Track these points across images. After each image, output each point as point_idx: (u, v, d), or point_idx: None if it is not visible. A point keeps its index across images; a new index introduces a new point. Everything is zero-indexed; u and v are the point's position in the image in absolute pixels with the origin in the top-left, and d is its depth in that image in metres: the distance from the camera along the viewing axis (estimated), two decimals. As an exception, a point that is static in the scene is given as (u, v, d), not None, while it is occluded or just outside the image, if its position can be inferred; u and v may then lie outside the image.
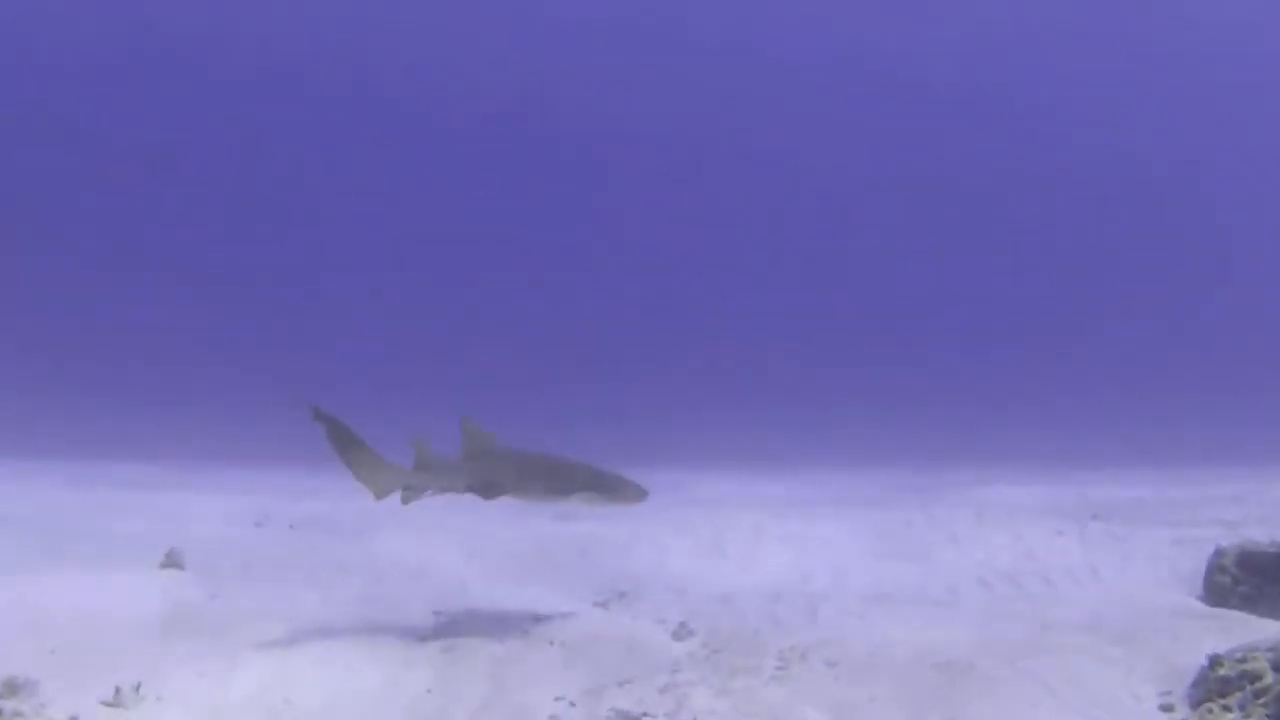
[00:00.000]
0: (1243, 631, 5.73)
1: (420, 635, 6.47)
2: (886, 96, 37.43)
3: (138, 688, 5.37)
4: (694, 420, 18.10)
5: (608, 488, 6.80)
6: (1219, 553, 7.31)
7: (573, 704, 5.27)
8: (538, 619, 6.81)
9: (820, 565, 8.72)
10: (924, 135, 36.95)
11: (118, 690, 5.24)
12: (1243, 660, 4.69)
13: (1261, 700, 4.44)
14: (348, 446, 6.71)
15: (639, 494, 6.85)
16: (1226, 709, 4.55)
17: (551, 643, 6.25)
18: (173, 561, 7.99)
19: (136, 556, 7.99)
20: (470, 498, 6.83)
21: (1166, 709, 4.85)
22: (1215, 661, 4.85)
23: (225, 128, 34.50)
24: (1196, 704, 4.78)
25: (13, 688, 5.21)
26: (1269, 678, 4.50)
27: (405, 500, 6.86)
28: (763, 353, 26.67)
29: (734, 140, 37.07)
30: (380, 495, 6.86)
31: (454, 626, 6.69)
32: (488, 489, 6.69)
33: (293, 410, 6.60)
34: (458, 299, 30.63)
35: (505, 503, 6.81)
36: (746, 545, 9.63)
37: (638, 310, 30.58)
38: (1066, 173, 36.39)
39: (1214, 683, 4.74)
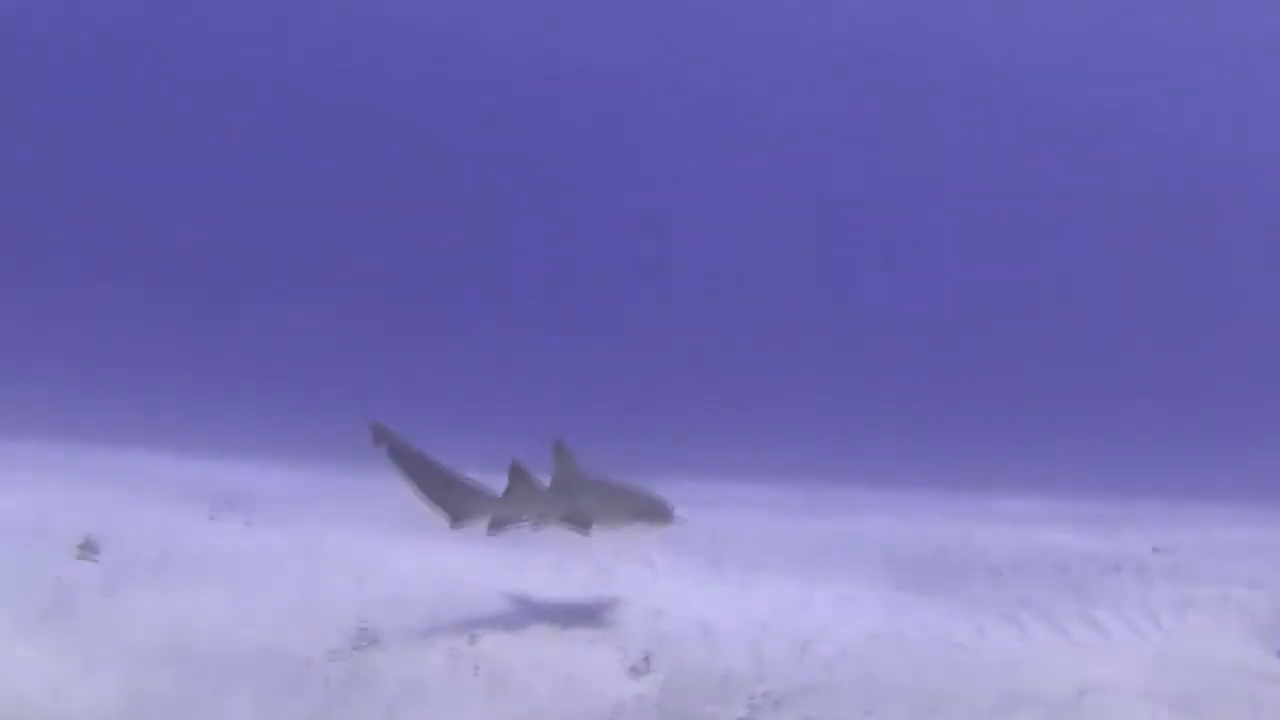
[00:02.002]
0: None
1: (329, 650, 5.47)
2: (894, 93, 35.60)
3: (-40, 692, 4.46)
4: (714, 428, 16.91)
5: (668, 514, 6.79)
6: (1305, 603, 6.04)
7: (477, 750, 4.25)
8: (474, 639, 5.79)
9: (826, 592, 7.58)
10: (959, 135, 35.11)
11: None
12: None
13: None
14: (418, 466, 6.18)
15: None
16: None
17: (478, 669, 5.21)
18: (87, 548, 7.12)
19: (53, 541, 7.06)
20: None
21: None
22: (1308, 751, 3.65)
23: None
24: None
25: None
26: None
27: (492, 530, 6.40)
28: (791, 359, 25.32)
29: (749, 141, 35.73)
30: (459, 521, 6.29)
31: (373, 642, 5.66)
32: (581, 520, 6.40)
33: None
34: (462, 302, 29.79)
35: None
36: (748, 565, 8.53)
37: (653, 309, 29.35)
38: (1105, 171, 34.33)
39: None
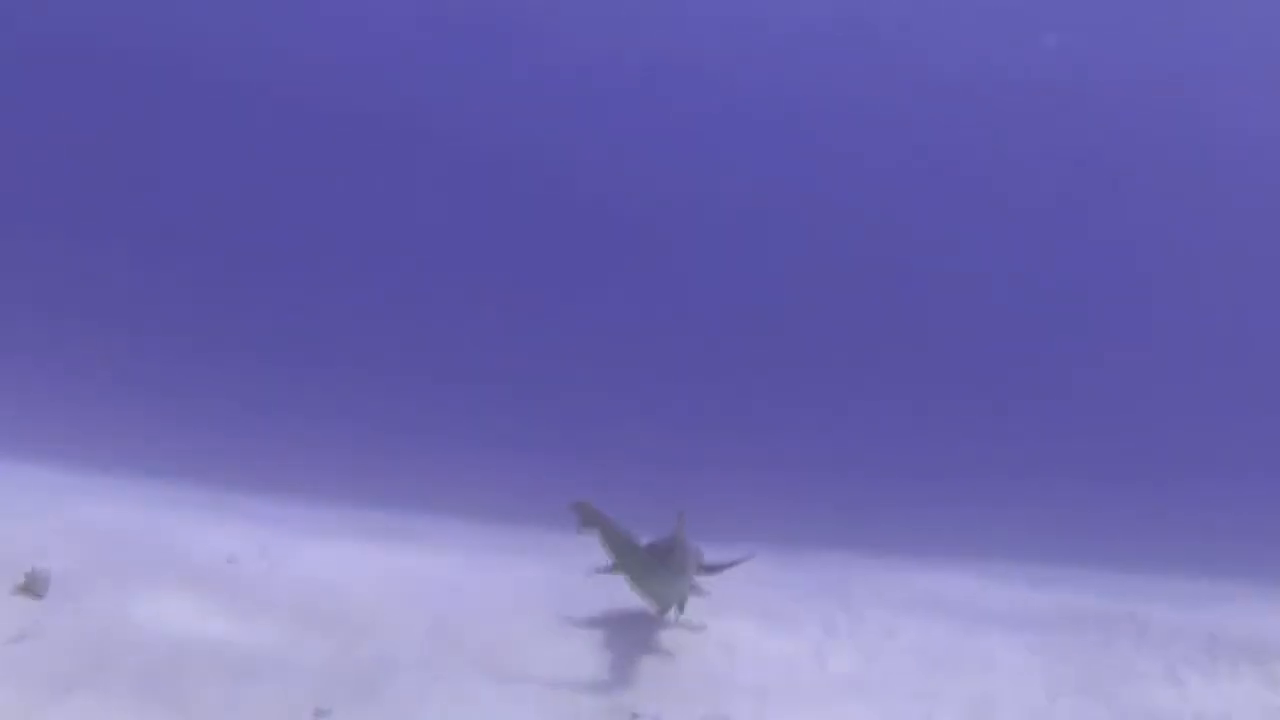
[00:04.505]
0: None
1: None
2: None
3: None
4: (855, 491, 14.99)
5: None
6: None
7: None
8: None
9: (955, 697, 5.79)
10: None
11: None
12: None
13: None
14: (628, 552, 6.05)
15: None
16: None
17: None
18: (31, 586, 6.14)
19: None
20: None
21: None
22: None
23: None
24: None
25: None
26: None
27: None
28: (944, 412, 22.97)
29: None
30: (666, 609, 6.42)
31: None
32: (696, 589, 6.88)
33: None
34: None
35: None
36: (860, 652, 6.77)
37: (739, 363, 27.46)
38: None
39: None
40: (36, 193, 26.79)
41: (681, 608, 6.59)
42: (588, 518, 5.75)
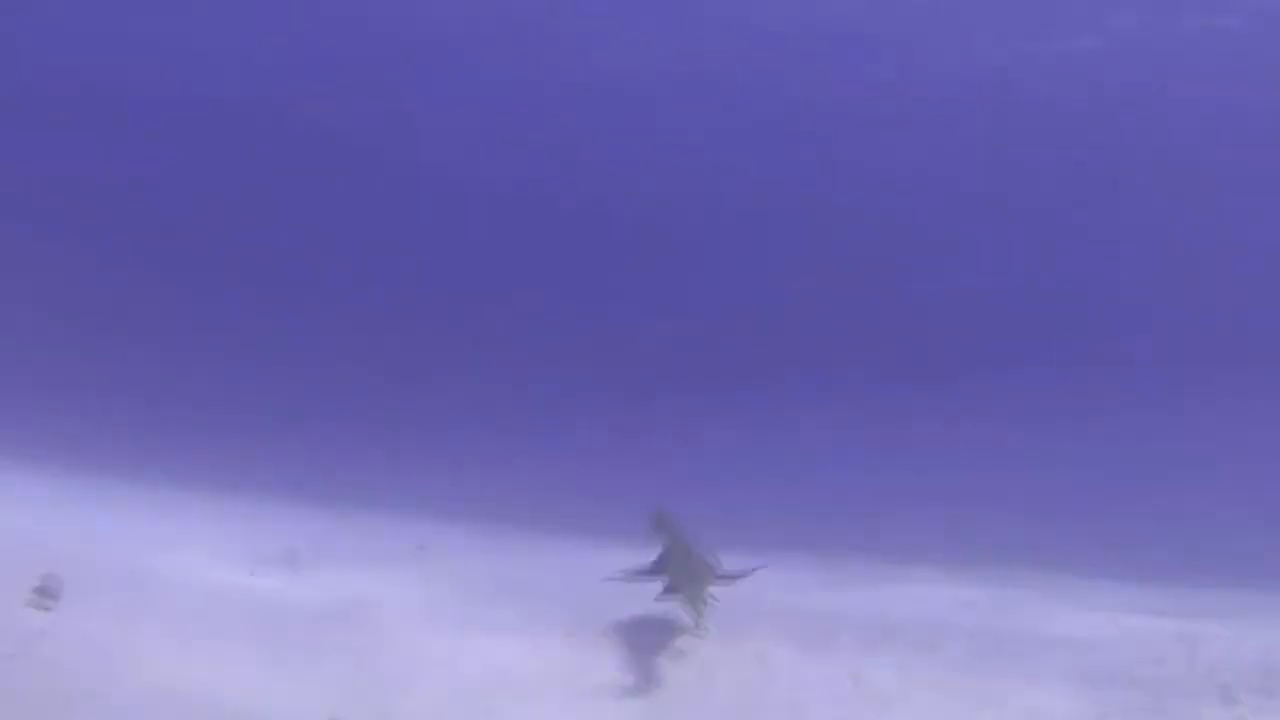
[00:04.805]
0: None
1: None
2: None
3: None
4: (870, 495, 14.63)
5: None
6: None
7: None
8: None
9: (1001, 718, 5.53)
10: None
11: None
12: None
13: None
14: (688, 562, 6.26)
15: None
16: None
17: None
18: (42, 595, 5.93)
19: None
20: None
21: None
22: None
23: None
24: None
25: None
26: None
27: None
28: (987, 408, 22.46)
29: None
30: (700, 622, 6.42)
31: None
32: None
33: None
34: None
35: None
36: (901, 669, 6.53)
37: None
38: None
39: None
40: (36, 193, 26.52)
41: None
42: (660, 523, 5.93)
